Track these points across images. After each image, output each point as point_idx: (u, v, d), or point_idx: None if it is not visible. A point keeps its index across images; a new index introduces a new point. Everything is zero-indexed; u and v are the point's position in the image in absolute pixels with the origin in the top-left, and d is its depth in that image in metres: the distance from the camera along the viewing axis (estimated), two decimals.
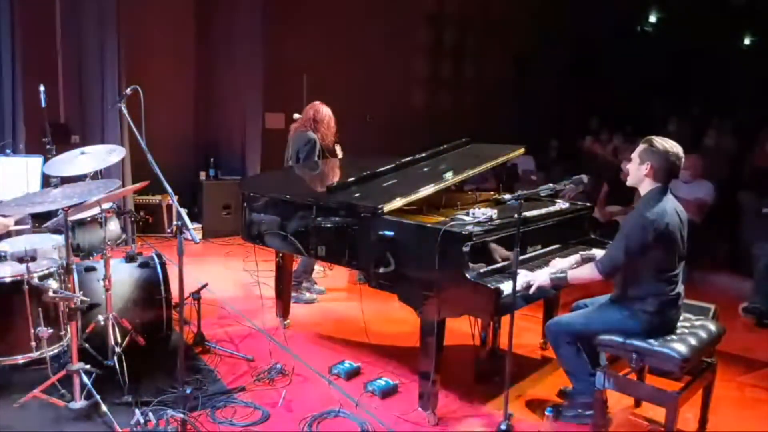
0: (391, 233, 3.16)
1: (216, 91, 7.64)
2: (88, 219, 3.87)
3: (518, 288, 2.93)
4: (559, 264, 3.23)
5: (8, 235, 3.80)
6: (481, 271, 3.05)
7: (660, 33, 11.26)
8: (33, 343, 3.12)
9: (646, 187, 2.89)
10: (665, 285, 2.85)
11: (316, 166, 4.82)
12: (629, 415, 3.30)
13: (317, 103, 4.98)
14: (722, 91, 9.49)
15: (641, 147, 2.90)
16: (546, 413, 3.21)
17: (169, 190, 2.93)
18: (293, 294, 5.02)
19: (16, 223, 3.89)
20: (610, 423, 3.12)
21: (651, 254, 2.80)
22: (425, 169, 3.95)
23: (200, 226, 7.10)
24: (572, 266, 3.16)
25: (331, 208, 3.51)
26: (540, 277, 3.03)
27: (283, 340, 4.11)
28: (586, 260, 3.21)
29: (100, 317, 3.41)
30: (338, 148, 5.23)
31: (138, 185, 3.35)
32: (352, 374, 3.62)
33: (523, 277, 3.01)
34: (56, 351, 3.25)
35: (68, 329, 3.14)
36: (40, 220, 4.18)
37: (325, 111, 4.92)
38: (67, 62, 6.51)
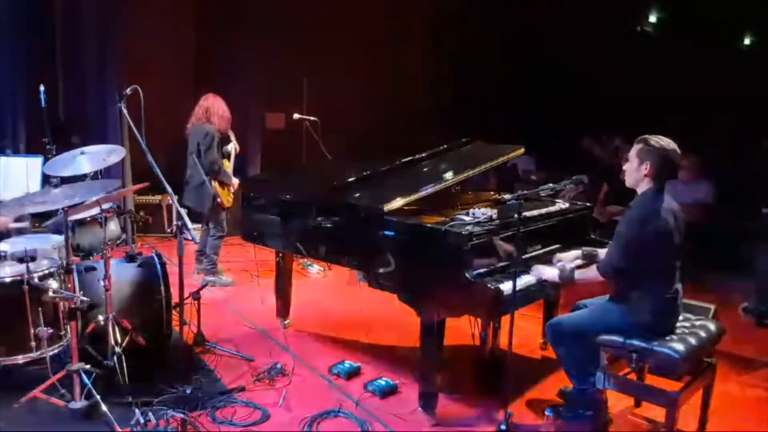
0: (392, 233, 3.16)
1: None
2: (88, 219, 3.88)
3: (531, 281, 3.04)
4: (561, 258, 3.24)
5: (8, 234, 3.80)
6: (482, 271, 3.05)
7: (660, 33, 11.24)
8: (33, 343, 3.11)
9: (644, 187, 2.88)
10: (663, 283, 2.85)
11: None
12: (629, 415, 3.30)
13: (210, 95, 5.17)
14: (722, 91, 9.47)
15: (637, 147, 2.89)
16: (546, 413, 3.20)
17: (169, 190, 2.94)
18: (209, 279, 5.11)
19: (15, 220, 3.89)
20: (610, 423, 3.13)
21: (646, 253, 2.79)
22: (425, 169, 3.95)
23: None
24: (573, 260, 3.18)
25: (331, 208, 3.51)
26: (548, 272, 3.09)
27: (283, 340, 4.11)
28: (587, 255, 3.22)
29: (100, 317, 3.40)
30: (232, 135, 5.40)
31: (138, 186, 3.35)
32: (352, 374, 3.62)
33: (537, 270, 3.11)
34: (56, 351, 3.25)
35: (68, 329, 3.14)
36: (40, 220, 4.18)
37: (219, 102, 5.12)
38: (67, 62, 6.51)
